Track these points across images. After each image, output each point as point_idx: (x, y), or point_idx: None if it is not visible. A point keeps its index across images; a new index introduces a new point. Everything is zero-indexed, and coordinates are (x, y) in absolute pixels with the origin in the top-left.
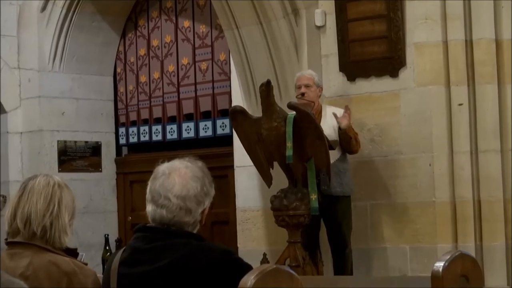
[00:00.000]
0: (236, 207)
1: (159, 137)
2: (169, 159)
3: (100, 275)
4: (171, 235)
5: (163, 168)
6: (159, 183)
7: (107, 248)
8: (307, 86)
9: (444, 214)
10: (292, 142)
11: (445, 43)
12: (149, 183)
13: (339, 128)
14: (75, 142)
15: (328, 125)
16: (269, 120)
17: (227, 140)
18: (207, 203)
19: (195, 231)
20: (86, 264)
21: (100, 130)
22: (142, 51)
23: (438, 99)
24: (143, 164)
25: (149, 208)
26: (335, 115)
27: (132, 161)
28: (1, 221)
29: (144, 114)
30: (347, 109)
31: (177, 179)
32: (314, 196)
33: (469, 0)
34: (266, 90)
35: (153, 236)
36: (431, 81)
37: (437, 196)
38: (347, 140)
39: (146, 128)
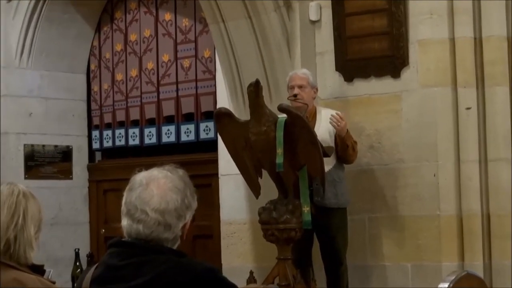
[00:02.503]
0: (221, 219)
1: (137, 142)
2: (147, 166)
3: None
4: (149, 250)
5: (140, 177)
6: (136, 195)
7: (78, 263)
8: (300, 86)
9: (449, 229)
10: (283, 148)
11: (452, 40)
12: (125, 194)
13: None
14: (44, 146)
15: (323, 130)
16: (257, 124)
17: (211, 146)
18: (188, 217)
19: (175, 247)
20: (54, 283)
21: (71, 133)
22: (118, 47)
23: (444, 102)
24: (118, 171)
25: (125, 222)
26: (332, 119)
27: (106, 167)
28: None
29: (120, 116)
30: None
31: (155, 191)
32: (306, 208)
33: None
34: (255, 90)
35: (129, 251)
36: (436, 82)
37: (442, 209)
38: (343, 148)
39: (122, 131)
